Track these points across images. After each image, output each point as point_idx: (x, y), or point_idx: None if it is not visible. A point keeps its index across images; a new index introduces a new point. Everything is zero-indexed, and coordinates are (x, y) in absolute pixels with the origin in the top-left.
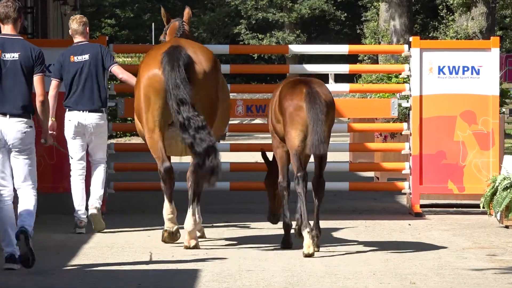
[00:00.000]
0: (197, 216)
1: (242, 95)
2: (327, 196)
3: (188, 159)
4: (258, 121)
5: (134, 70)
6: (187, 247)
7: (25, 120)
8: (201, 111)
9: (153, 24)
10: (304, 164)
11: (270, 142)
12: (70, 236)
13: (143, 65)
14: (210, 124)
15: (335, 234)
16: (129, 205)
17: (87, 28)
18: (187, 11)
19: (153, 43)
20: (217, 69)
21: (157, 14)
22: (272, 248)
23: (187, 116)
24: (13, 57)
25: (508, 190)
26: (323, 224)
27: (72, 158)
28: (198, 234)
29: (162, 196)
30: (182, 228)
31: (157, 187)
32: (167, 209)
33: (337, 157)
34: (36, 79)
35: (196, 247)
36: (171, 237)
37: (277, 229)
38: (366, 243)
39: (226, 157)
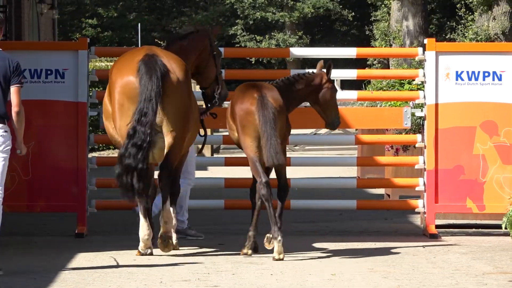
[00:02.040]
0: (172, 215)
1: None
2: (332, 216)
3: None
4: None
5: None
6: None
7: (1, 125)
8: (174, 119)
9: (139, 24)
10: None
11: None
12: (48, 260)
13: (116, 72)
14: (184, 133)
15: (341, 258)
16: (113, 225)
17: None
18: (215, 29)
19: (139, 46)
20: (188, 79)
21: (143, 13)
22: (271, 273)
23: (140, 130)
24: None
25: None
26: (327, 246)
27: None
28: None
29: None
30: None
31: None
32: (143, 225)
33: (344, 172)
34: (13, 90)
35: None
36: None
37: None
38: (375, 268)
39: (221, 172)
